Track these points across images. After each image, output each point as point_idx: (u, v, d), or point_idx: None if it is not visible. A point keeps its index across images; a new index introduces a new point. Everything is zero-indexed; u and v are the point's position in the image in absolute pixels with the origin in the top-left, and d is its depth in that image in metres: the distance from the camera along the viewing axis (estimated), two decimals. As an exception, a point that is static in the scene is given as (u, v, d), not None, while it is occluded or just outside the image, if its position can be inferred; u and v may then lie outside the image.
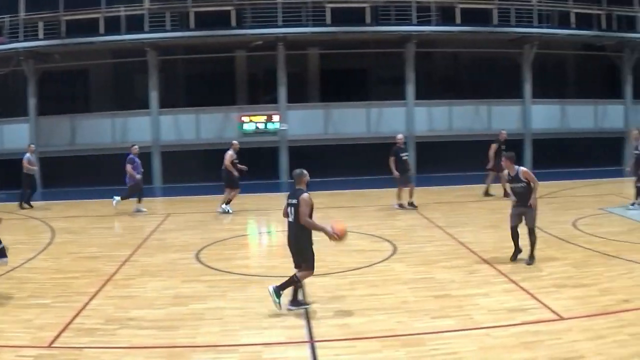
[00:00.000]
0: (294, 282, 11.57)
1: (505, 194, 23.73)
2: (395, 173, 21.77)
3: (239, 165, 22.34)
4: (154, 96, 30.47)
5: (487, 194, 24.70)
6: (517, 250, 15.37)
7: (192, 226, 20.40)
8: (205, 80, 32.79)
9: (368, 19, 29.11)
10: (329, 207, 22.01)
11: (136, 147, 23.32)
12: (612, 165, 33.81)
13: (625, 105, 35.98)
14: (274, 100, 30.88)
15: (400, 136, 22.50)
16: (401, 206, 22.07)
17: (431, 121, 32.32)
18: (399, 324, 10.74)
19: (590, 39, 34.65)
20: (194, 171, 29.60)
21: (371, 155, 29.16)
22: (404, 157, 22.02)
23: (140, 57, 30.25)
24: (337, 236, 11.68)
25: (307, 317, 11.10)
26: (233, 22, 29.15)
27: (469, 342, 9.97)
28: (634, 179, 22.39)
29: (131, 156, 22.82)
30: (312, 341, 10.09)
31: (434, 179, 24.82)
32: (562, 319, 11.12)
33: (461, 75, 36.13)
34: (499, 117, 33.47)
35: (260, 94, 33.58)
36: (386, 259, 15.15)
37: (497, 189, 24.26)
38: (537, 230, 15.19)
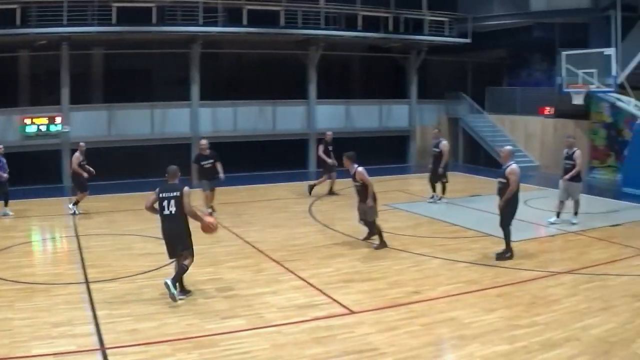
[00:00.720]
0: (184, 271, 12.36)
1: (330, 192, 24.24)
2: (196, 180, 21.47)
3: (86, 167, 21.69)
4: None
5: (330, 192, 25.20)
6: (371, 232, 17.02)
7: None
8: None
9: (154, 19, 28.74)
10: (114, 211, 21.59)
11: (1, 146, 21.77)
12: (397, 162, 35.04)
13: (410, 105, 37.43)
14: (57, 101, 29.93)
15: (204, 142, 21.53)
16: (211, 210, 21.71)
17: (216, 122, 32.19)
18: (189, 326, 10.70)
19: (376, 40, 35.74)
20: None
21: (156, 156, 28.85)
22: (206, 165, 20.85)
23: None
24: (212, 225, 12.69)
25: (97, 324, 10.83)
26: (18, 21, 28.02)
27: (262, 341, 10.08)
28: (438, 174, 23.52)
29: None
30: (103, 348, 9.84)
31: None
32: (352, 313, 11.47)
33: (247, 76, 36.23)
34: (284, 118, 33.94)
35: (43, 94, 32.44)
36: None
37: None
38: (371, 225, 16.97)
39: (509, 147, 16.32)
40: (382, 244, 16.69)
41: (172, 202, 12.27)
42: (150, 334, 10.35)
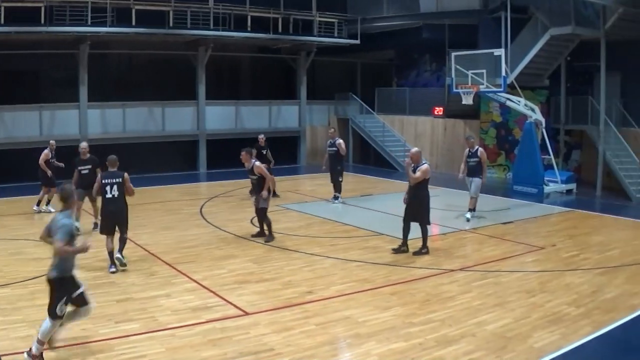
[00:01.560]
0: (126, 242, 14.87)
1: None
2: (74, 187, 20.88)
3: (56, 163, 21.66)
4: None
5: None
6: (261, 231, 17.73)
7: None
8: None
9: (43, 19, 28.11)
10: (3, 215, 21.08)
11: None
12: (287, 163, 35.18)
13: (299, 106, 37.73)
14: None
15: (84, 144, 19.76)
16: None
17: (105, 123, 31.84)
18: (84, 331, 10.53)
19: (266, 41, 35.88)
20: None
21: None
22: (84, 171, 19.02)
23: None
24: None
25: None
26: None
27: (156, 344, 10.04)
28: (330, 174, 23.98)
29: None
30: (-3, 355, 9.67)
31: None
32: (247, 314, 11.52)
33: (136, 76, 35.87)
34: (174, 118, 33.83)
35: None
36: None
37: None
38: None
39: (416, 149, 16.83)
40: (271, 237, 17.35)
41: (115, 187, 14.48)
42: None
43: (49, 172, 21.38)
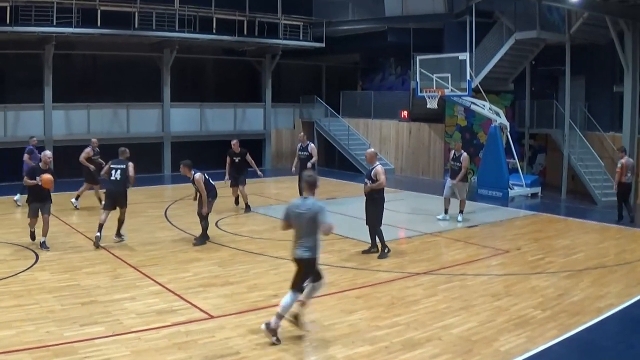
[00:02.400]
0: (123, 222, 17.81)
1: (237, 202, 23.76)
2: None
3: (99, 160, 22.34)
4: None
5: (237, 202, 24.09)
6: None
7: None
8: None
9: (8, 19, 27.80)
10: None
11: (35, 139, 23.73)
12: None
13: (264, 109, 37.69)
14: None
15: (48, 153, 17.26)
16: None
17: (69, 125, 31.57)
18: (48, 334, 10.42)
19: (231, 43, 35.77)
20: None
21: (7, 160, 28.04)
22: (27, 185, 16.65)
23: None
24: None
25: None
26: None
27: (122, 347, 9.94)
28: (299, 178, 23.62)
29: (30, 147, 22.79)
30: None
31: (74, 183, 24.07)
32: (212, 317, 11.46)
33: (101, 77, 35.60)
34: (138, 120, 33.66)
35: None
36: (29, 267, 14.62)
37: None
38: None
39: (372, 149, 16.87)
40: (203, 238, 17.55)
41: (119, 171, 17.32)
42: (8, 342, 10.04)
43: (92, 168, 22.20)
